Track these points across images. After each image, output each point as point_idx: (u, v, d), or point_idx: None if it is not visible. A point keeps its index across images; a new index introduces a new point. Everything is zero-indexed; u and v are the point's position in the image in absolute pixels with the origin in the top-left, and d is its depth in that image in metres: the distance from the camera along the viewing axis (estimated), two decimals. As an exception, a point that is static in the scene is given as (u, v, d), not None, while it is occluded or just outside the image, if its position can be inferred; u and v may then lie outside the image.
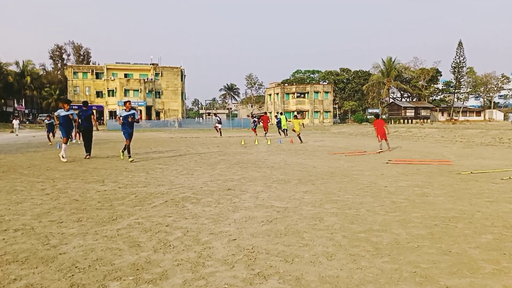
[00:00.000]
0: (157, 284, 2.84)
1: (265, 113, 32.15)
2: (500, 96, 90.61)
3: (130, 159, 11.08)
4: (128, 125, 11.22)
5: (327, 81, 79.16)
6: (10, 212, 5.05)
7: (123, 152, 11.69)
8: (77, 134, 18.63)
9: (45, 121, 21.07)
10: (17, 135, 32.75)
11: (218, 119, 30.83)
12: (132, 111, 11.40)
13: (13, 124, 36.55)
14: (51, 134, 19.59)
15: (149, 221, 4.56)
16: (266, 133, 26.96)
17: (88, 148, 12.14)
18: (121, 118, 11.22)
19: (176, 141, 22.82)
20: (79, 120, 12.19)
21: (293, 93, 70.18)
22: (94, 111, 15.96)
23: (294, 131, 20.75)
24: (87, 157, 11.85)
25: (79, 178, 7.96)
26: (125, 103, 11.70)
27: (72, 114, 11.79)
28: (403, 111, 73.05)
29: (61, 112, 11.53)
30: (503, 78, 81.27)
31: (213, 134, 32.32)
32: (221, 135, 29.03)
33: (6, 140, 24.18)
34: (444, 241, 3.78)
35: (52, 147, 17.01)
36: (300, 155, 13.03)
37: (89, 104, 12.70)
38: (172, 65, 73.92)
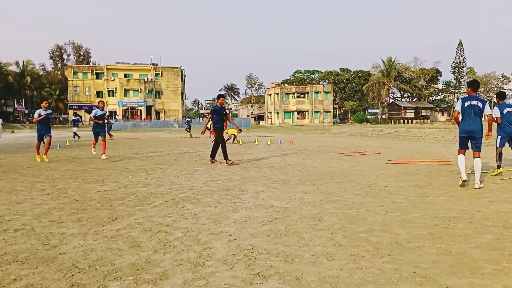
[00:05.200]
0: (157, 284, 2.84)
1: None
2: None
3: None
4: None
5: (327, 81, 79.19)
6: (10, 212, 5.05)
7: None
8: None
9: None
10: None
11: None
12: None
13: None
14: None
15: (149, 221, 4.56)
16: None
17: (224, 153, 10.03)
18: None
19: (176, 141, 22.83)
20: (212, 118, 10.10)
21: (293, 93, 70.22)
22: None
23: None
24: (225, 162, 10.07)
25: (79, 178, 7.96)
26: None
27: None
28: (403, 111, 73.09)
29: None
30: (503, 78, 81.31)
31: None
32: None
33: (6, 140, 24.18)
34: (444, 241, 3.77)
35: (51, 148, 16.99)
36: (300, 155, 13.02)
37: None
38: (172, 65, 74.00)
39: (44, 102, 11.46)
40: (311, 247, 3.64)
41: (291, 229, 4.22)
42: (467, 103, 6.60)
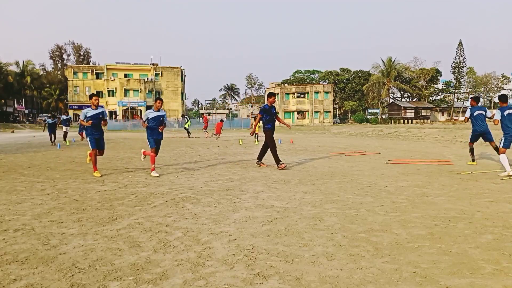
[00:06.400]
0: (157, 284, 2.84)
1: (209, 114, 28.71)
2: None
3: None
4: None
5: (327, 81, 79.18)
6: (10, 212, 5.05)
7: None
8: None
9: (48, 121, 20.26)
10: None
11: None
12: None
13: None
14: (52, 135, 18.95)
15: (149, 221, 4.56)
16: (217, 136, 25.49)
17: (275, 157, 9.26)
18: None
19: (176, 141, 22.83)
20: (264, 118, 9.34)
21: (293, 93, 70.17)
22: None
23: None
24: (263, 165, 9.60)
25: (79, 178, 7.96)
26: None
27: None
28: (403, 111, 73.05)
29: None
30: (503, 78, 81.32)
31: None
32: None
33: (6, 140, 24.18)
34: (444, 241, 3.77)
35: (52, 147, 17.02)
36: (300, 155, 13.02)
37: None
38: (172, 65, 74.04)
39: (93, 98, 8.28)
40: (311, 247, 3.64)
41: (291, 229, 4.22)
42: (506, 112, 8.22)
